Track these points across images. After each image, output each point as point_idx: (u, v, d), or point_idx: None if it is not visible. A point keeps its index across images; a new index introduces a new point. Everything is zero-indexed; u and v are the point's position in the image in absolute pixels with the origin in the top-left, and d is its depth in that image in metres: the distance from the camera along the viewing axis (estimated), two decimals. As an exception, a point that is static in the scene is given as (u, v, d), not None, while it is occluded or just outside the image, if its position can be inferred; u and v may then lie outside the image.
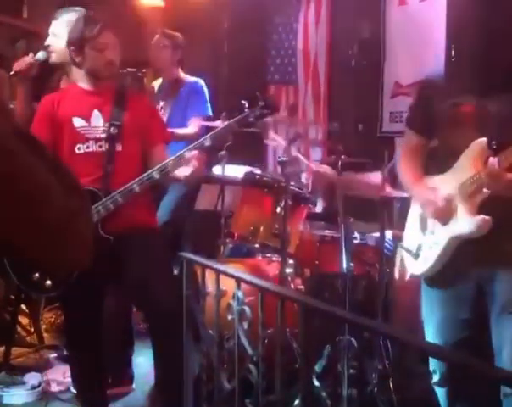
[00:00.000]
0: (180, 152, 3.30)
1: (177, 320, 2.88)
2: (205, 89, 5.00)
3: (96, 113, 3.40)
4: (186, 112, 4.87)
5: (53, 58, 3.85)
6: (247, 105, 3.39)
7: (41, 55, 3.80)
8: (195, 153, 3.27)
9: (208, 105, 4.96)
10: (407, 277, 3.00)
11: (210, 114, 4.95)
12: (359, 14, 5.77)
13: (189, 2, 6.54)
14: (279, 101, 6.67)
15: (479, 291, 2.65)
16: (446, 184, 2.69)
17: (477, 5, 2.54)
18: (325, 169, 4.20)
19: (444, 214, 2.66)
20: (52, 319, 5.08)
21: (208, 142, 3.31)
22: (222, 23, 7.12)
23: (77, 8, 3.87)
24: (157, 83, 5.25)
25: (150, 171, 3.28)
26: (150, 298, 3.33)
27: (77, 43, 3.39)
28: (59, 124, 3.40)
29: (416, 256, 2.81)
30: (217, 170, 4.81)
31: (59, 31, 3.80)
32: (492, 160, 2.44)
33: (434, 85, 2.85)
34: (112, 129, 3.37)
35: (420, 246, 2.79)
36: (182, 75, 5.09)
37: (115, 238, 3.30)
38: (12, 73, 3.83)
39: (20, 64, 3.79)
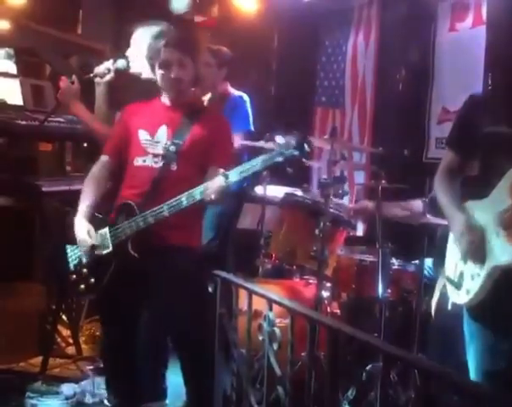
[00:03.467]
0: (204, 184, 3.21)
1: (204, 346, 2.88)
2: (248, 104, 4.99)
3: (163, 128, 3.42)
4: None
5: (132, 68, 3.91)
6: (278, 142, 3.21)
7: (120, 63, 3.86)
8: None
9: (250, 120, 4.96)
10: (449, 306, 2.91)
11: (251, 128, 4.94)
12: (409, 39, 5.74)
13: (239, 20, 6.59)
14: (326, 123, 6.68)
15: None
16: (483, 211, 2.63)
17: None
18: (366, 204, 4.21)
19: (477, 255, 2.60)
20: (92, 330, 5.12)
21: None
22: (272, 42, 7.17)
23: (155, 21, 3.92)
24: (206, 97, 5.28)
25: (178, 197, 3.19)
26: (176, 327, 3.33)
27: (150, 62, 3.48)
28: (128, 134, 3.47)
29: (458, 285, 2.72)
30: (259, 190, 4.83)
31: (138, 43, 3.86)
32: None
33: (477, 105, 2.80)
34: (171, 147, 3.37)
35: (462, 274, 2.70)
36: (229, 89, 5.10)
37: (144, 256, 3.30)
38: (91, 75, 3.91)
39: (100, 68, 3.89)
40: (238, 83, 5.27)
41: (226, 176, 3.07)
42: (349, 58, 6.48)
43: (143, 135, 3.42)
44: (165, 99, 3.50)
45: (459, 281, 2.71)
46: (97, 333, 5.02)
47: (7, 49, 5.88)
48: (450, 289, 2.80)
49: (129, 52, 3.92)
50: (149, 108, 3.53)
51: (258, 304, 2.85)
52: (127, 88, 3.97)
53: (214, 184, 3.08)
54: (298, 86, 6.83)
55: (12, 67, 5.69)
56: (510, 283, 2.55)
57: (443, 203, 2.81)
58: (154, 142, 3.40)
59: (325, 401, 2.31)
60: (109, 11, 6.60)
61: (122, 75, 3.93)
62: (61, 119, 4.63)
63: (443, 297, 3.03)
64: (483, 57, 5.04)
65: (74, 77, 3.90)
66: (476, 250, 2.60)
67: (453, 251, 2.80)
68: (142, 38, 3.83)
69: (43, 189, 4.38)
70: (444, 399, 3.43)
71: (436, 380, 3.53)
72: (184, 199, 3.17)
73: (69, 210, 3.53)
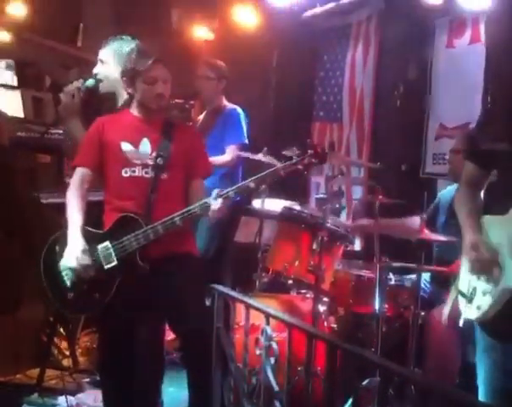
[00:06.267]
0: (223, 192, 3.29)
1: (211, 347, 2.90)
2: (242, 116, 5.05)
3: (144, 140, 3.49)
4: (223, 139, 4.94)
5: (102, 85, 3.92)
6: (296, 151, 3.37)
7: (90, 82, 3.87)
8: (220, 201, 3.24)
9: (245, 133, 5.01)
10: (460, 322, 2.87)
11: (246, 141, 5.00)
12: (407, 55, 5.78)
13: (239, 36, 6.64)
14: (323, 138, 6.71)
15: None
16: (500, 229, 2.60)
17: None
18: (365, 221, 4.24)
19: (487, 272, 2.58)
20: (88, 343, 5.12)
21: (252, 185, 3.32)
22: (271, 58, 7.21)
23: (125, 37, 3.93)
24: (201, 116, 5.33)
25: (193, 206, 3.30)
26: (187, 325, 3.34)
27: (129, 75, 3.49)
28: (107, 146, 3.49)
29: (470, 300, 2.69)
30: (257, 203, 4.84)
31: (107, 59, 3.89)
32: None
33: (491, 120, 2.78)
34: (158, 159, 3.44)
35: (475, 289, 2.67)
36: (224, 102, 5.16)
37: (152, 266, 3.34)
38: (61, 94, 3.91)
39: (69, 88, 3.88)
40: (237, 97, 5.30)
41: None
42: (347, 74, 6.52)
43: (127, 146, 3.46)
44: (137, 113, 3.55)
45: (471, 295, 2.69)
46: (94, 346, 5.02)
47: (7, 60, 5.92)
48: (462, 303, 2.77)
49: (97, 70, 3.92)
50: (123, 121, 3.56)
51: (256, 318, 2.87)
52: (98, 106, 3.99)
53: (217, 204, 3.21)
54: (297, 101, 6.87)
55: (12, 78, 5.71)
56: None
57: (460, 216, 2.79)
58: (140, 154, 3.45)
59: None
60: (110, 24, 6.64)
61: (93, 94, 3.94)
62: (60, 131, 4.65)
63: (455, 310, 2.99)
64: (481, 73, 5.08)
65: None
66: (483, 269, 2.59)
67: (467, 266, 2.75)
68: (109, 55, 3.87)
69: (42, 201, 4.40)
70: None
71: (432, 395, 3.53)
72: (198, 209, 3.27)
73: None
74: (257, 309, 2.59)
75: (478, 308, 2.63)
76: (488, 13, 4.96)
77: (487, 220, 2.69)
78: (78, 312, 3.54)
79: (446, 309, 3.27)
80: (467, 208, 2.78)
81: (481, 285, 2.63)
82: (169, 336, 4.68)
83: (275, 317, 2.49)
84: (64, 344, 4.95)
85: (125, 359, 3.56)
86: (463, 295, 2.74)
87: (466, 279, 2.74)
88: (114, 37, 3.96)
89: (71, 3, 6.69)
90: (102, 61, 3.91)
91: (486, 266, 2.58)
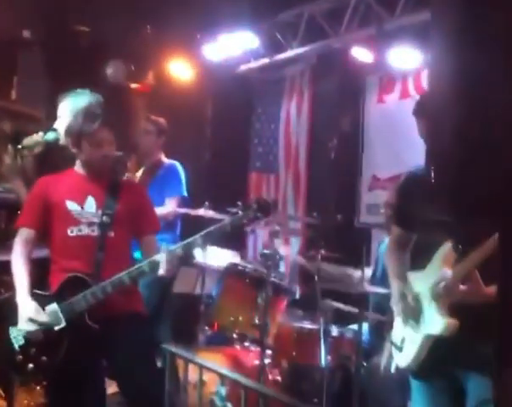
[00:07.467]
0: (172, 249, 3.32)
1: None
2: (181, 171, 5.12)
3: (89, 199, 3.48)
4: (163, 192, 4.98)
5: (61, 140, 3.88)
6: (240, 206, 3.44)
7: (50, 135, 3.83)
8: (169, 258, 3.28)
9: (184, 186, 5.08)
10: (392, 369, 3.07)
11: (185, 194, 5.06)
12: (340, 109, 5.99)
13: (174, 88, 6.74)
14: (260, 189, 6.83)
15: (457, 387, 2.74)
16: (420, 282, 2.85)
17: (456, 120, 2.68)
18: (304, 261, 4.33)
19: (410, 314, 2.83)
20: (26, 401, 5.00)
21: (200, 241, 3.37)
22: (206, 109, 7.33)
23: (81, 91, 3.91)
24: (139, 173, 5.35)
25: (140, 264, 3.31)
26: (135, 387, 3.33)
27: (74, 136, 3.50)
28: (53, 206, 3.47)
29: (400, 349, 2.90)
30: (198, 253, 4.86)
31: (63, 113, 3.86)
32: (444, 272, 2.65)
33: (413, 182, 2.97)
34: (104, 217, 3.45)
35: (404, 339, 2.89)
36: (163, 158, 5.22)
37: (101, 325, 3.33)
38: (19, 147, 3.85)
39: (28, 140, 3.84)
40: (173, 150, 5.37)
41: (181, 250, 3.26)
42: (282, 126, 6.70)
43: (72, 205, 3.46)
44: (81, 171, 3.56)
45: (401, 345, 2.90)
46: (32, 404, 4.91)
47: None
48: (394, 352, 2.98)
49: (57, 124, 3.89)
50: (68, 179, 3.56)
51: (205, 374, 2.90)
52: (57, 160, 3.96)
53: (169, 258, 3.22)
54: (233, 152, 6.99)
55: None
56: (443, 347, 2.71)
57: (389, 273, 3.05)
58: (85, 212, 3.46)
59: None
60: (45, 77, 6.62)
61: (52, 148, 3.92)
62: (0, 189, 4.59)
63: (390, 359, 3.19)
64: (411, 128, 5.28)
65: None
66: (410, 315, 2.84)
67: (398, 318, 2.98)
68: (67, 110, 3.86)
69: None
70: None
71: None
72: (146, 266, 3.28)
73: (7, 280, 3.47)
74: (211, 370, 2.64)
75: (407, 356, 2.85)
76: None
77: (411, 275, 2.94)
78: (27, 375, 3.48)
79: (383, 359, 3.49)
80: (394, 264, 3.04)
81: (409, 334, 2.85)
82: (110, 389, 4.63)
83: (231, 379, 2.54)
84: (2, 403, 4.82)
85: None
86: (395, 345, 2.96)
87: (398, 329, 2.96)
88: (72, 91, 3.94)
89: (5, 56, 6.65)
90: (60, 117, 3.87)
91: (413, 312, 2.82)
